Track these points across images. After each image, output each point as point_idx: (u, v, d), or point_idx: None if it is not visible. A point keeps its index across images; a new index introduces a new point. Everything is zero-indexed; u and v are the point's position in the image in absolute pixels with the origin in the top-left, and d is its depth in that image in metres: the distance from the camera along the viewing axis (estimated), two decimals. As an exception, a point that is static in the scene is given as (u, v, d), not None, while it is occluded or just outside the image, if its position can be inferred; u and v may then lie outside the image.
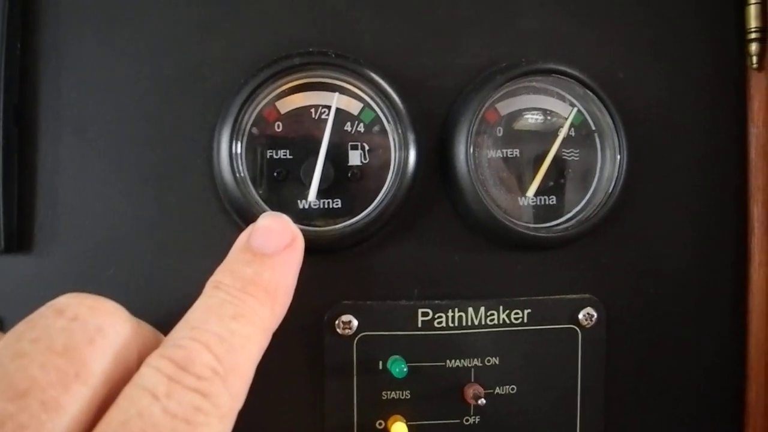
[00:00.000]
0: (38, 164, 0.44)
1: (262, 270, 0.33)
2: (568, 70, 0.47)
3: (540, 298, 0.48)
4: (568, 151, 0.48)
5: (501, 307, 0.48)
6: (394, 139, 0.46)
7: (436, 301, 0.47)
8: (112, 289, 0.44)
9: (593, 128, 0.49)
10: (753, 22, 0.51)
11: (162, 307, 0.45)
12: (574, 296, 0.49)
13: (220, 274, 0.34)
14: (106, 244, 0.45)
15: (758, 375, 0.52)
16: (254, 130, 0.45)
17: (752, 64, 0.52)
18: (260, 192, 0.45)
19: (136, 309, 0.45)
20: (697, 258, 0.51)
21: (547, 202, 0.48)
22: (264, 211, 0.44)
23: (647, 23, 0.50)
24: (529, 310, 0.48)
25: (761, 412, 0.52)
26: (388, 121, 0.46)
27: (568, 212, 0.48)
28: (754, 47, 0.51)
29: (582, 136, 0.49)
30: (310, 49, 0.45)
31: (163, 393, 0.26)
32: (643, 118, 0.50)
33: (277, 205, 0.45)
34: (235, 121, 0.44)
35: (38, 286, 0.44)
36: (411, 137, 0.45)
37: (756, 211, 0.52)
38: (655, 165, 0.50)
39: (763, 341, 0.52)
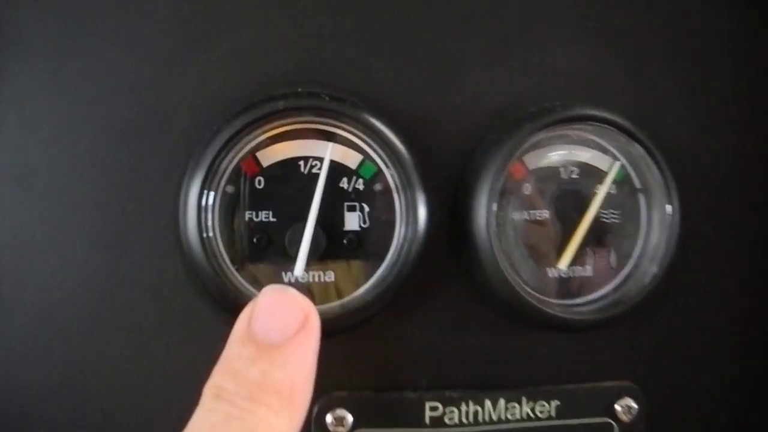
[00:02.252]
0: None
1: (272, 368, 0.27)
2: (612, 118, 0.39)
3: (570, 386, 0.41)
4: (607, 212, 0.41)
5: (524, 398, 0.41)
6: (400, 199, 0.38)
7: (447, 393, 0.40)
8: (56, 370, 0.37)
9: (638, 186, 0.41)
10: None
11: (116, 393, 0.37)
12: (610, 384, 0.42)
13: (219, 377, 0.27)
14: (52, 314, 0.37)
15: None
16: (229, 188, 0.37)
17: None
18: (235, 262, 0.37)
19: (82, 391, 0.37)
20: (756, 342, 0.43)
21: (581, 274, 0.40)
22: (237, 285, 0.37)
23: (703, 58, 0.42)
24: (558, 402, 0.41)
25: None
26: (393, 177, 0.38)
27: (606, 286, 0.41)
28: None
29: (624, 194, 0.41)
30: (299, 90, 0.37)
31: None
32: (698, 173, 0.42)
33: (255, 279, 0.37)
34: (206, 176, 0.36)
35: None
36: (421, 197, 0.38)
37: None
38: (712, 228, 0.42)
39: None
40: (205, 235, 0.36)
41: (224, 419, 0.26)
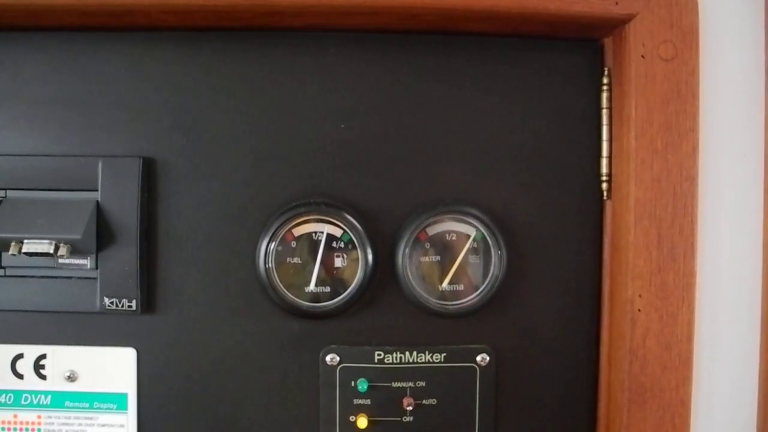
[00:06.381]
0: (158, 263, 0.78)
1: None
2: (471, 211, 0.76)
3: (452, 346, 0.76)
4: (472, 256, 0.77)
5: (426, 352, 0.74)
6: (360, 252, 0.76)
7: (387, 347, 0.78)
8: (206, 341, 0.79)
9: (490, 243, 0.77)
10: (604, 170, 0.78)
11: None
12: (474, 346, 0.77)
13: None
14: (199, 312, 0.79)
15: (606, 398, 0.80)
16: (279, 248, 0.77)
17: (604, 196, 0.79)
18: (282, 280, 0.77)
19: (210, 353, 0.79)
20: (560, 324, 0.79)
21: (457, 289, 0.77)
22: (281, 292, 0.77)
23: (532, 172, 0.78)
24: (445, 354, 0.77)
25: (607, 423, 0.80)
26: (357, 241, 0.76)
27: (471, 294, 0.77)
28: (605, 186, 0.78)
29: (482, 247, 0.78)
30: (311, 200, 0.76)
31: None
32: (523, 234, 0.78)
33: (291, 285, 0.76)
34: (269, 241, 0.75)
35: (161, 335, 0.78)
36: (369, 251, 0.75)
37: (606, 292, 0.80)
38: (532, 262, 0.78)
39: (609, 377, 0.80)
40: (268, 266, 0.77)
41: None
